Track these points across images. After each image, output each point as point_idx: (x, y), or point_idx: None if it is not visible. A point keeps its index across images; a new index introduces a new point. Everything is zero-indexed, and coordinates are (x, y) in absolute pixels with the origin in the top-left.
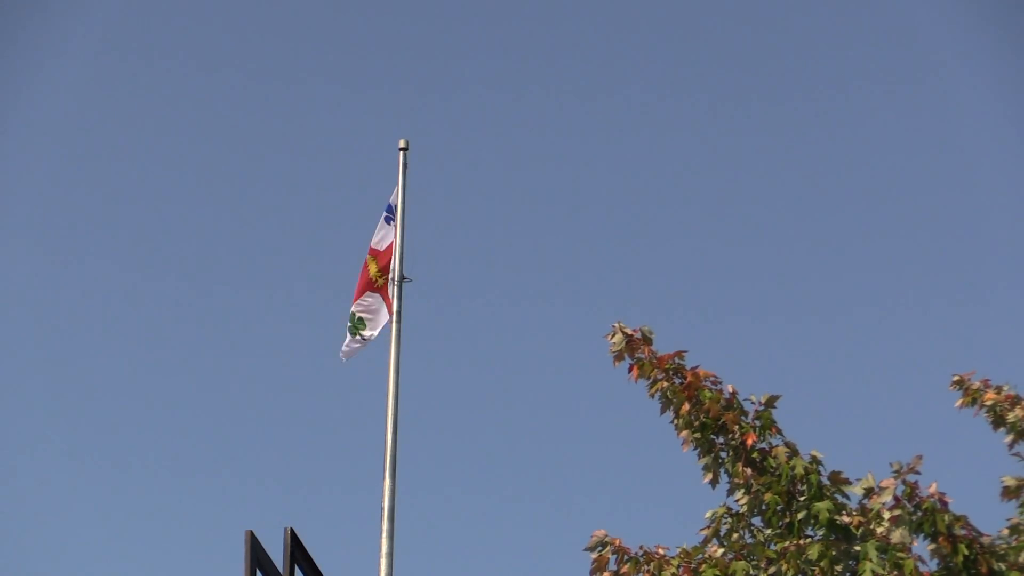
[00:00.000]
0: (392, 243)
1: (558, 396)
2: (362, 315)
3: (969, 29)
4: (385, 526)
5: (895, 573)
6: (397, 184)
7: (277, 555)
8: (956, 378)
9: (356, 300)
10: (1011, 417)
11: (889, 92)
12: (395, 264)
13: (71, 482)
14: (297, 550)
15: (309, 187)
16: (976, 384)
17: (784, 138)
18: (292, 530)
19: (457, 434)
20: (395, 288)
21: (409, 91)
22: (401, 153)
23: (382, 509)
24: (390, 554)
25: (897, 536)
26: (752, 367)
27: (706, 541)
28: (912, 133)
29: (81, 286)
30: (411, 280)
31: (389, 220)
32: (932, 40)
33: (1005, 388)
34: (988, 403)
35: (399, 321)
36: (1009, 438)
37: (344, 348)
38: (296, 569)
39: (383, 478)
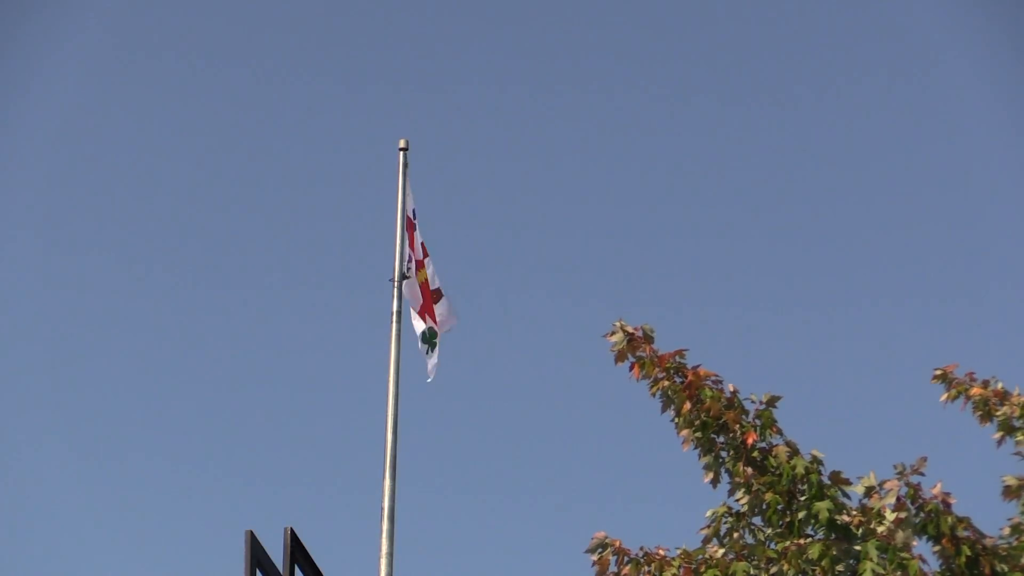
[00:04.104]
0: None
1: (558, 395)
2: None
3: (966, 26)
4: (385, 526)
5: (899, 574)
6: (407, 190)
7: (277, 555)
8: (938, 371)
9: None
10: (1000, 413)
11: (886, 90)
12: (395, 263)
13: (71, 481)
14: (297, 550)
15: (309, 187)
16: (960, 378)
17: (784, 135)
18: (292, 530)
19: (457, 434)
20: (394, 287)
21: (409, 91)
22: (401, 153)
23: (382, 509)
24: (390, 554)
25: (900, 538)
26: (753, 366)
27: (707, 541)
28: (913, 130)
29: (81, 285)
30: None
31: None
32: (926, 36)
33: (991, 382)
34: (975, 398)
35: (399, 321)
36: (998, 434)
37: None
38: (296, 569)
39: (383, 478)
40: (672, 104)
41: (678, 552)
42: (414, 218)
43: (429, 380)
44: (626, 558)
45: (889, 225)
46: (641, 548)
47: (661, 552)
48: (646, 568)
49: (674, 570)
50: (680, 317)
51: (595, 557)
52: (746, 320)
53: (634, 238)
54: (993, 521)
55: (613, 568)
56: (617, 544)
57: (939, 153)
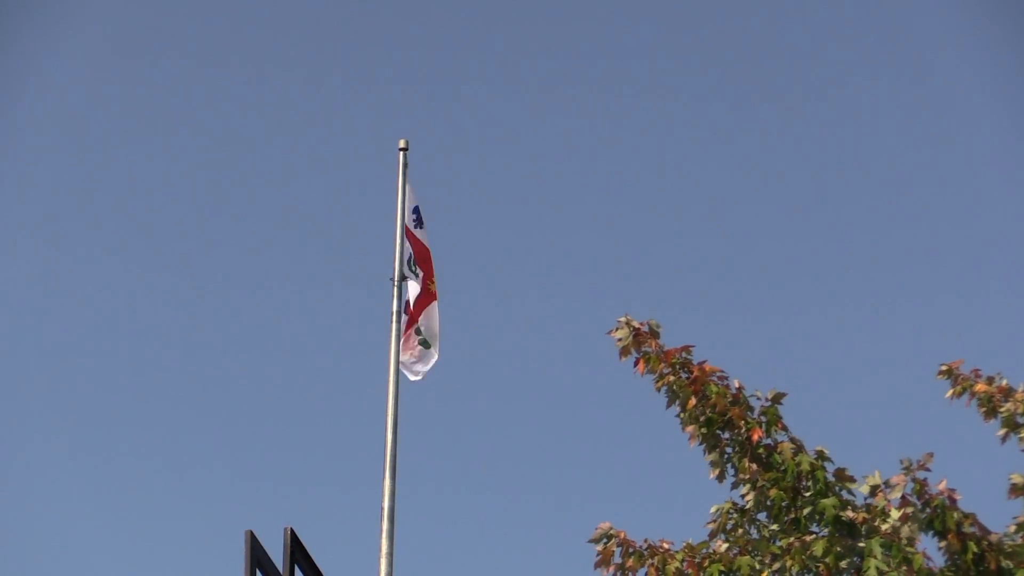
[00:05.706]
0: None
1: (559, 394)
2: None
3: (966, 26)
4: (385, 526)
5: (904, 568)
6: (406, 188)
7: (277, 555)
8: (944, 368)
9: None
10: (1004, 410)
11: (887, 90)
12: (395, 263)
13: (70, 481)
14: (297, 550)
15: (309, 187)
16: (965, 374)
17: (787, 135)
18: (292, 530)
19: (457, 434)
20: (394, 287)
21: (409, 91)
22: (401, 153)
23: (382, 509)
24: (390, 554)
25: (906, 532)
26: (758, 363)
27: (711, 536)
28: (914, 131)
29: (81, 285)
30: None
31: (417, 224)
32: (926, 37)
33: (996, 379)
34: (980, 394)
35: (399, 321)
36: (1002, 431)
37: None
38: (296, 569)
39: (383, 478)
40: (674, 104)
41: (682, 546)
42: (414, 216)
43: (417, 378)
44: (630, 550)
45: (893, 223)
46: (645, 541)
47: (665, 545)
48: (650, 561)
49: (678, 564)
50: (684, 315)
51: (599, 547)
52: (751, 318)
53: (636, 237)
54: (998, 518)
55: (617, 559)
56: (622, 535)
57: (941, 153)
